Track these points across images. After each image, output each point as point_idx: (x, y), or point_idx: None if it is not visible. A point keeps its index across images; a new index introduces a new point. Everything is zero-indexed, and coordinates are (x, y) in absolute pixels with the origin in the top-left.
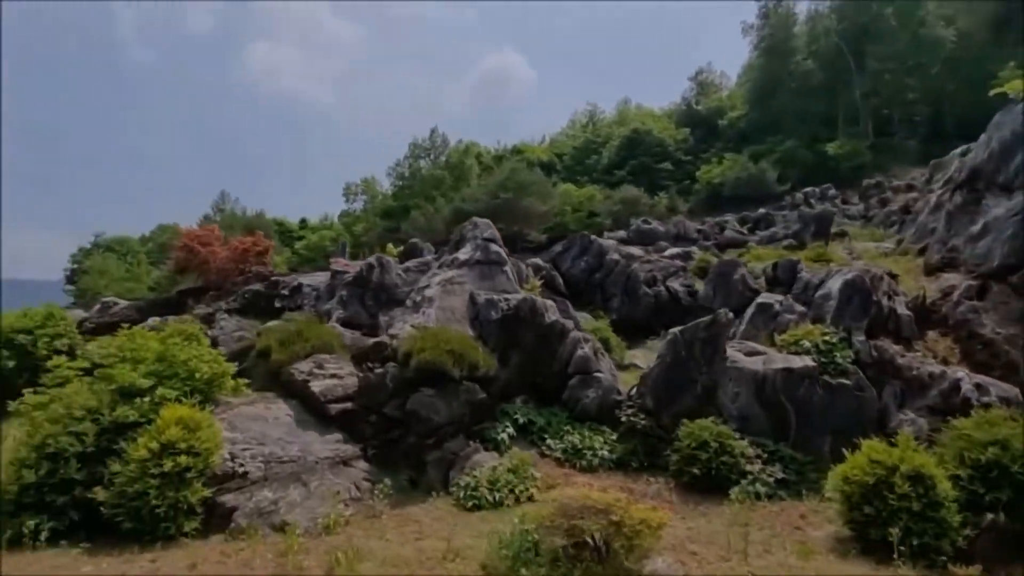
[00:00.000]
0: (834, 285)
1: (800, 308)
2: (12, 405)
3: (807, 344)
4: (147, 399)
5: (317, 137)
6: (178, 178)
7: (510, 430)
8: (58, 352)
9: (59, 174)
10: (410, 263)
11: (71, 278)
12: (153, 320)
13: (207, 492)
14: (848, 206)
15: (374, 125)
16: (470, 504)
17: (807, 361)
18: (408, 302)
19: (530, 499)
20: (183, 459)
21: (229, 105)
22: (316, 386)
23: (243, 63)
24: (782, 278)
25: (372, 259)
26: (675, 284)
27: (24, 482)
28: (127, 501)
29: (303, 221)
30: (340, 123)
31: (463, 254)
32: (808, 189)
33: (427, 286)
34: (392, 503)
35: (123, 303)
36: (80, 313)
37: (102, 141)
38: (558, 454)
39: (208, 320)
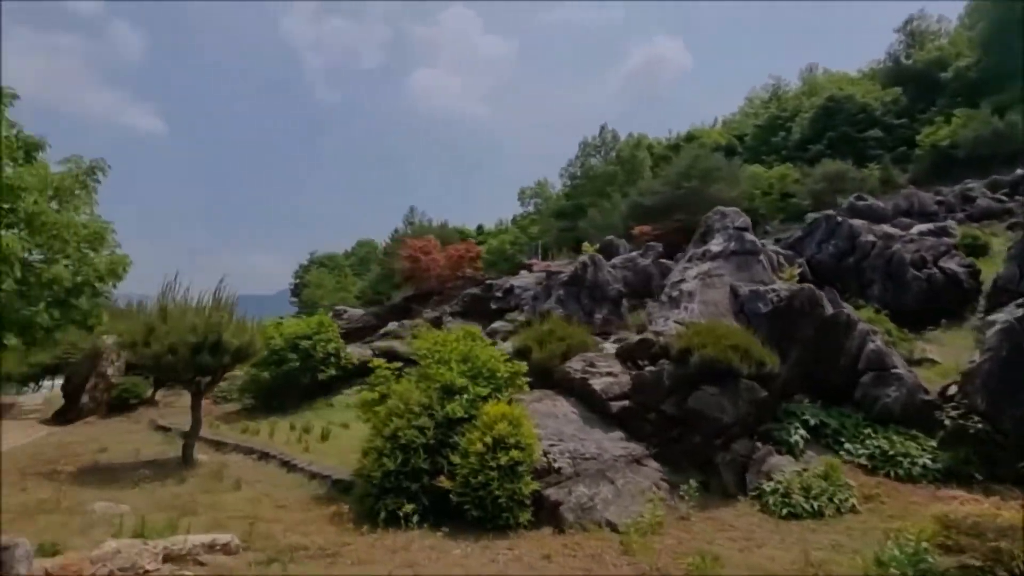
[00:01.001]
0: None
1: None
2: (336, 399)
3: None
4: (465, 396)
5: (476, 149)
6: (364, 198)
7: (802, 432)
8: (330, 355)
9: (271, 205)
10: (616, 260)
11: (295, 291)
12: (393, 324)
13: (536, 485)
14: None
15: (529, 132)
16: (784, 512)
17: None
18: (663, 297)
19: (852, 510)
20: (514, 453)
21: (399, 129)
22: (596, 384)
23: (408, 89)
24: None
25: (585, 258)
26: (950, 264)
27: (385, 469)
28: (471, 491)
29: (479, 228)
30: (496, 134)
31: (715, 245)
32: None
33: (682, 280)
34: (694, 505)
35: (359, 311)
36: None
37: (302, 174)
38: (862, 460)
39: (436, 323)
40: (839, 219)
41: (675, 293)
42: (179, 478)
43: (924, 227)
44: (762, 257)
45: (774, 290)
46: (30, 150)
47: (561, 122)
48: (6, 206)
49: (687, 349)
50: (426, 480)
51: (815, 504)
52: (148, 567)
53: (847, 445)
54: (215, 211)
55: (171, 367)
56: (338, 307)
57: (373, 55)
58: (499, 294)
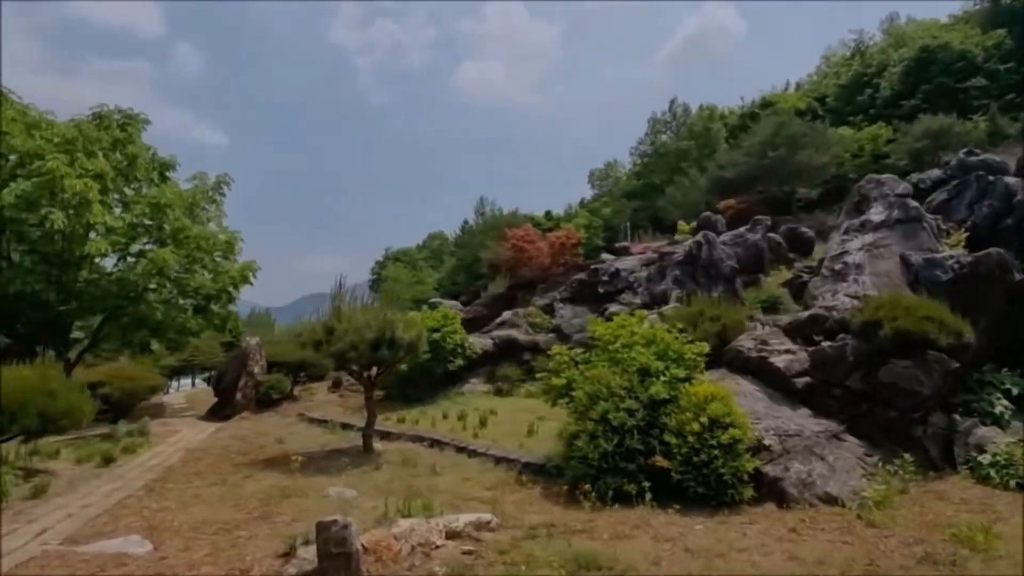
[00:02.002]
0: None
1: None
2: (465, 388)
3: None
4: (662, 378)
5: (531, 136)
6: (424, 195)
7: (1004, 402)
8: (457, 346)
9: (330, 207)
10: (725, 236)
11: (372, 286)
12: (507, 314)
13: (757, 462)
14: None
15: (585, 115)
16: (1011, 483)
17: None
18: (824, 272)
19: None
20: (734, 432)
21: (450, 122)
22: (778, 361)
23: (456, 84)
24: None
25: (700, 237)
26: None
27: (603, 450)
28: (694, 469)
29: (548, 213)
30: (550, 120)
31: (876, 215)
32: None
33: (844, 252)
34: (908, 479)
35: (452, 302)
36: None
37: (360, 175)
38: None
39: (548, 310)
40: (991, 178)
41: (838, 266)
42: (374, 465)
43: None
44: (926, 224)
45: (953, 257)
46: (163, 170)
47: (618, 102)
48: (153, 223)
49: (875, 322)
50: (641, 460)
51: None
52: (437, 542)
53: None
54: (276, 216)
55: (353, 362)
56: (432, 300)
57: (421, 53)
58: (605, 278)
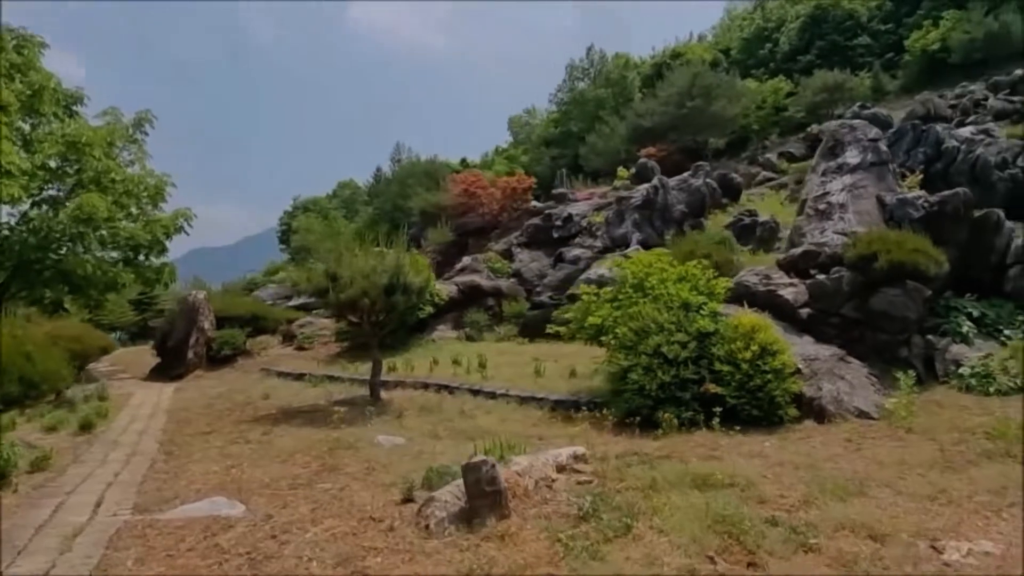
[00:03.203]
0: None
1: None
2: (436, 335)
3: None
4: (702, 312)
5: (441, 82)
6: (328, 143)
7: (969, 323)
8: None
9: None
10: (672, 181)
11: (283, 238)
12: (467, 260)
13: (801, 384)
14: None
15: (492, 60)
16: (991, 390)
17: None
18: (808, 210)
19: None
20: (783, 358)
21: (350, 65)
22: (787, 294)
23: (349, 25)
24: None
25: (656, 182)
26: None
27: (660, 381)
28: (748, 394)
29: (463, 161)
30: (457, 64)
31: (852, 158)
32: None
33: (825, 193)
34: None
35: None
36: None
37: (250, 124)
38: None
39: (507, 255)
40: (924, 127)
41: (822, 206)
42: (396, 413)
43: (970, 130)
44: (890, 167)
45: (922, 196)
46: (70, 103)
47: (529, 47)
48: (69, 165)
49: (871, 255)
50: (694, 389)
51: (1017, 381)
52: (553, 476)
53: (1006, 332)
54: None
55: (364, 309)
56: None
57: None
58: (559, 223)
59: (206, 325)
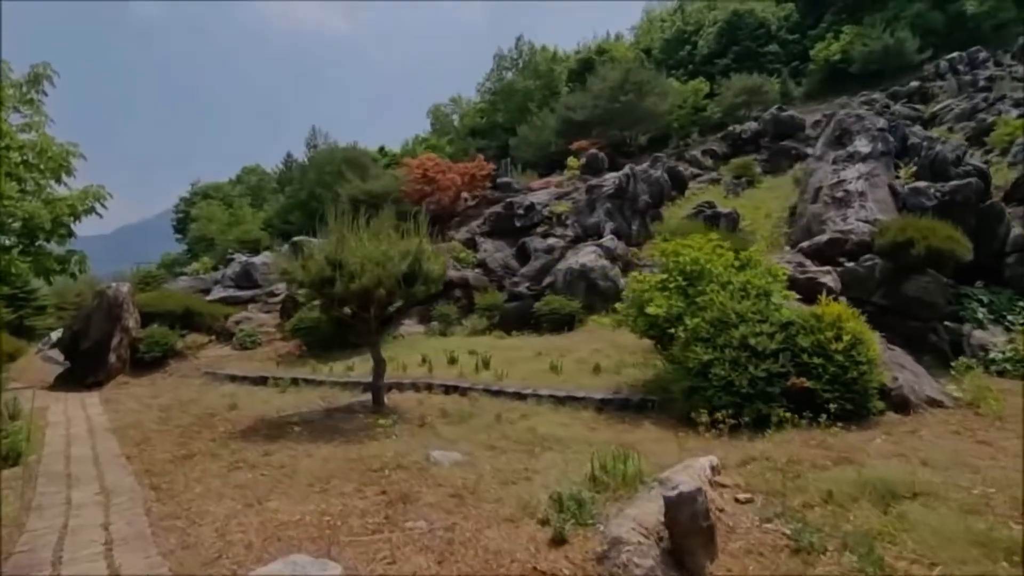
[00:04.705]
0: None
1: None
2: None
3: None
4: (773, 300)
5: (347, 70)
6: (224, 127)
7: (982, 309)
8: None
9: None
10: (618, 175)
11: (179, 227)
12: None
13: (885, 375)
14: (1011, 68)
15: (399, 50)
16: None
17: None
18: (825, 198)
19: None
20: (874, 349)
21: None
22: (828, 280)
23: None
24: None
25: (627, 170)
26: (975, 161)
27: (750, 376)
28: (841, 387)
29: (382, 149)
30: (363, 52)
31: (863, 147)
32: (953, 55)
33: (840, 181)
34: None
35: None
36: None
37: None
38: None
39: (470, 244)
40: (894, 123)
41: (839, 194)
42: (417, 421)
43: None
44: (891, 158)
45: (933, 186)
46: None
47: (436, 36)
48: None
49: (907, 242)
50: (783, 383)
51: None
52: (710, 496)
53: (1008, 317)
54: None
55: (380, 301)
56: (296, 239)
57: None
58: (520, 211)
59: (131, 323)
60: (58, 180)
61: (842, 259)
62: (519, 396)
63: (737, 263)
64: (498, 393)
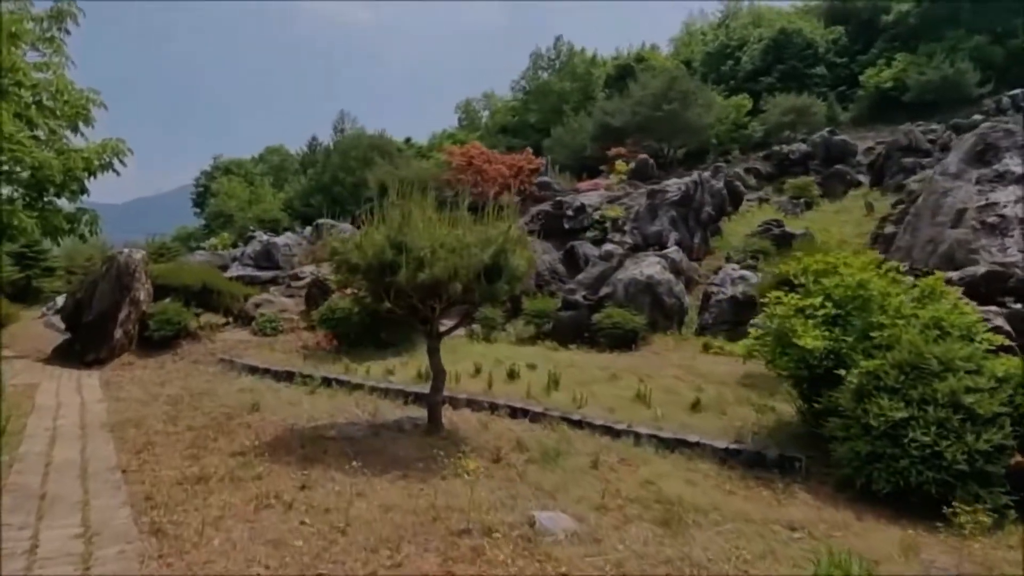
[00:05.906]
0: None
1: None
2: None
3: None
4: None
5: (370, 59)
6: (244, 105)
7: None
8: None
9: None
10: (685, 181)
11: (197, 200)
12: None
13: None
14: None
15: (420, 44)
16: None
17: None
18: (972, 223)
19: None
20: None
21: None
22: (1001, 323)
23: None
24: None
25: (695, 177)
26: None
27: (965, 448)
28: None
29: (408, 140)
30: (384, 44)
31: (1016, 166)
32: (1016, 91)
33: (993, 203)
34: None
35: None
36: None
37: (154, 81)
38: None
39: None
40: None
41: (991, 219)
42: (488, 454)
43: None
44: None
45: None
46: None
47: (446, 36)
48: None
49: None
50: (1004, 460)
51: None
52: None
53: None
54: None
55: (455, 297)
56: (320, 221)
57: None
58: (570, 212)
59: (142, 296)
60: (75, 129)
61: (1003, 298)
62: (610, 431)
63: (916, 292)
64: (579, 424)
